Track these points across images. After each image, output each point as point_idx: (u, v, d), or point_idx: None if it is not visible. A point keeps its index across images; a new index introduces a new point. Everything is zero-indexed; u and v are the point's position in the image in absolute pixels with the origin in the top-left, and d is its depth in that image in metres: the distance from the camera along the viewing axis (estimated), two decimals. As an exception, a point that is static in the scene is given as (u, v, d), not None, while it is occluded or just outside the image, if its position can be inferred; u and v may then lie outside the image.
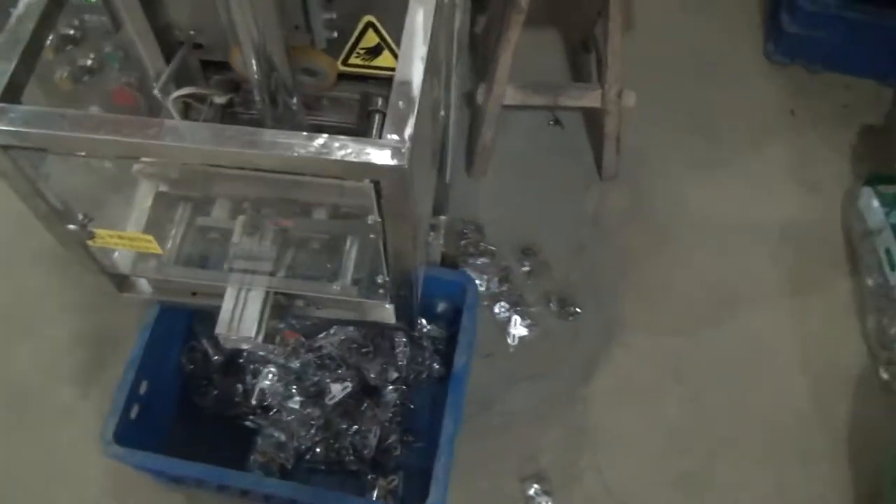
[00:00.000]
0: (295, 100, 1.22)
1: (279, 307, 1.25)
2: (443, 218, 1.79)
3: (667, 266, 1.94)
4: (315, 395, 1.70)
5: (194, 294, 1.31)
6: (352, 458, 1.66)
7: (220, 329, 1.18)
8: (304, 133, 0.88)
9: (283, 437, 1.68)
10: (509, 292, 1.88)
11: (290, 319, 1.48)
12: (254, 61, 1.11)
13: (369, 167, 0.87)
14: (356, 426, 1.68)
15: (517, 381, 1.79)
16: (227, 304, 1.20)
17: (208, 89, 1.28)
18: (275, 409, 1.70)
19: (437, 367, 1.73)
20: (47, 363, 1.88)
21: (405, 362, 1.72)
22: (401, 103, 0.91)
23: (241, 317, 1.20)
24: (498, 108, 1.89)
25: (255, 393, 1.71)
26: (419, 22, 0.99)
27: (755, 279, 1.93)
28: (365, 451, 1.66)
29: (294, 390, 1.69)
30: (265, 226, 1.17)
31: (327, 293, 1.21)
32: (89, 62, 1.22)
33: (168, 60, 1.21)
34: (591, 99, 1.91)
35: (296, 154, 0.87)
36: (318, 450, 1.68)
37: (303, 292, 1.22)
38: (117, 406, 1.54)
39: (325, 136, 0.88)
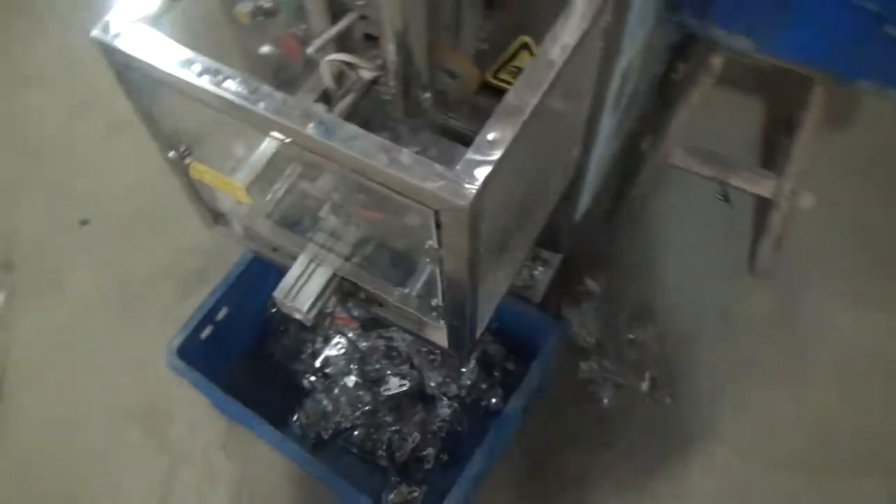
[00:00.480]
0: (427, 95, 1.19)
1: (341, 292, 1.24)
2: (558, 256, 1.70)
3: (787, 395, 1.74)
4: (372, 381, 1.70)
5: (275, 250, 1.33)
6: (384, 454, 1.65)
7: (278, 294, 1.19)
8: (381, 140, 0.85)
9: (329, 408, 1.69)
10: (603, 353, 1.77)
11: (349, 308, 1.47)
12: (392, 46, 1.09)
13: (430, 196, 0.83)
14: (399, 426, 1.66)
15: (578, 446, 1.69)
16: (293, 271, 1.21)
17: (360, 61, 1.28)
18: (331, 379, 1.71)
19: (496, 401, 1.67)
20: (164, 264, 2.00)
21: (468, 383, 1.67)
22: (491, 136, 0.85)
23: (302, 288, 1.20)
24: (660, 164, 1.77)
25: (321, 357, 1.74)
26: (553, 53, 0.92)
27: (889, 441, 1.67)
28: (398, 453, 1.64)
29: (354, 368, 1.69)
30: (352, 211, 1.16)
31: (389, 296, 1.19)
32: (268, 4, 1.25)
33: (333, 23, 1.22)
34: (763, 187, 1.75)
35: (366, 160, 0.84)
36: (356, 433, 1.68)
37: (367, 286, 1.20)
38: (191, 322, 1.62)
39: (404, 151, 0.84)
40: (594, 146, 1.40)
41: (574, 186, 1.48)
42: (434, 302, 1.09)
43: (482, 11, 1.10)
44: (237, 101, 0.89)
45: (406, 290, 1.16)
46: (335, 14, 1.23)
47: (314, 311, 1.19)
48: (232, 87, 0.90)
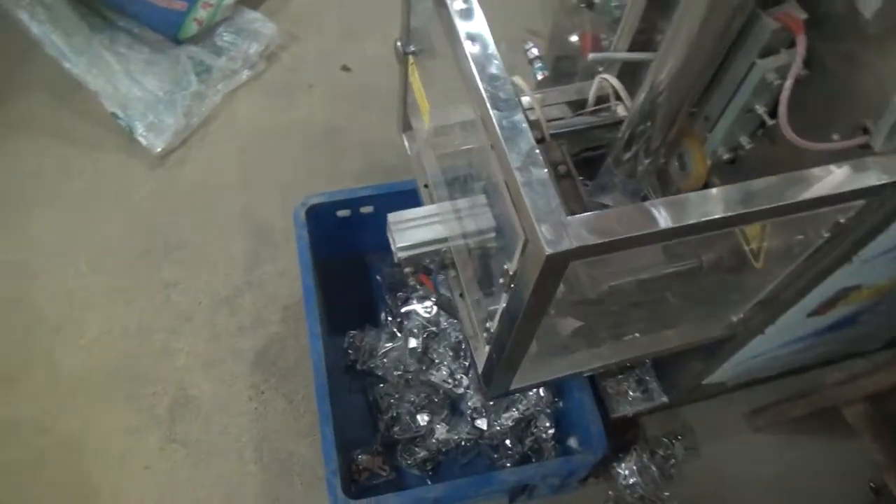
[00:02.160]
0: (647, 162, 1.14)
1: (440, 259, 1.23)
2: (663, 399, 1.58)
3: None
4: (427, 358, 1.69)
5: (426, 186, 1.35)
6: (388, 421, 1.65)
7: (392, 217, 1.21)
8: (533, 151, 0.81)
9: (380, 350, 1.71)
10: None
11: (436, 277, 1.46)
12: (650, 95, 1.05)
13: (528, 222, 0.79)
14: (417, 411, 1.64)
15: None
16: (420, 210, 1.23)
17: (625, 96, 1.24)
18: (401, 330, 1.73)
19: (508, 464, 1.59)
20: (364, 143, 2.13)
21: (496, 429, 1.62)
22: (625, 218, 0.79)
23: (414, 227, 1.21)
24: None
25: (408, 307, 1.76)
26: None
27: None
28: (397, 429, 1.63)
29: (422, 336, 1.70)
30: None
31: (469, 292, 1.17)
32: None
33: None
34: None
35: (507, 157, 0.81)
36: (381, 385, 1.70)
37: (460, 270, 1.19)
38: (339, 193, 1.70)
39: (543, 171, 0.81)
40: (760, 331, 1.26)
41: (721, 350, 1.36)
42: (489, 324, 1.05)
43: (751, 129, 1.02)
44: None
45: (483, 298, 1.13)
46: (638, 43, 1.21)
47: (406, 253, 1.20)
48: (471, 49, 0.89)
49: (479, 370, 1.17)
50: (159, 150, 2.08)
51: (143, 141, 2.07)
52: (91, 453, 1.68)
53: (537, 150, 0.81)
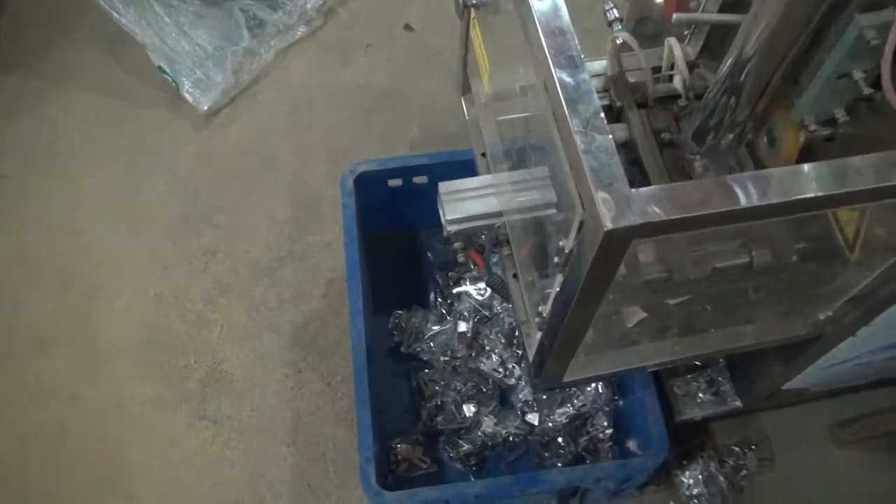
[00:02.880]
0: (731, 137, 1.09)
1: (494, 235, 1.21)
2: (737, 403, 1.52)
3: None
4: (477, 344, 1.67)
5: (483, 155, 1.32)
6: (431, 409, 1.64)
7: (443, 186, 1.19)
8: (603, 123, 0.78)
9: (426, 333, 1.69)
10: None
11: (489, 255, 1.44)
12: (728, 63, 1.00)
13: (588, 194, 0.76)
14: (463, 400, 1.63)
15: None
16: (473, 181, 1.21)
17: (684, 68, 1.19)
18: (450, 312, 1.71)
19: (557, 463, 1.57)
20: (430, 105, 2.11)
21: (548, 426, 1.59)
22: (697, 195, 0.75)
23: (466, 199, 1.19)
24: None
25: (460, 288, 1.74)
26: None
27: None
28: (440, 419, 1.62)
29: (473, 320, 1.67)
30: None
31: (523, 272, 1.15)
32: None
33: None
34: None
35: (568, 125, 0.78)
36: (426, 371, 1.69)
37: (514, 248, 1.16)
38: (389, 162, 1.69)
39: (608, 140, 0.77)
40: (851, 332, 1.20)
41: (805, 352, 1.30)
42: (542, 308, 1.02)
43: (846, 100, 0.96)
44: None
45: (538, 279, 1.10)
46: (729, 5, 1.16)
47: (457, 227, 1.18)
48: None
49: (530, 359, 1.14)
50: (206, 108, 2.10)
51: (189, 98, 2.09)
52: (118, 424, 1.71)
53: (602, 115, 0.78)
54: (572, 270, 0.86)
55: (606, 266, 0.81)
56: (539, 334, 1.07)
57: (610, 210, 0.73)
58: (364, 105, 2.15)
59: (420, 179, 1.72)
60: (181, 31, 2.15)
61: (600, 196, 0.74)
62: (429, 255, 1.86)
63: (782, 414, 1.69)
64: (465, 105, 1.39)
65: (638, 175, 1.12)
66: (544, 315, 1.02)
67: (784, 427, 1.69)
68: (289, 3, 2.24)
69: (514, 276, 1.21)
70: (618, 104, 1.18)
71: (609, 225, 0.73)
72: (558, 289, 0.93)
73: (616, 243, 0.76)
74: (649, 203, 0.75)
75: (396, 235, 1.88)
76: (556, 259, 0.90)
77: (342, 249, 1.83)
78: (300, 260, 1.91)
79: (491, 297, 1.70)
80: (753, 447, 1.68)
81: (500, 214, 1.18)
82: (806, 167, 0.78)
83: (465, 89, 1.37)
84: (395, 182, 1.72)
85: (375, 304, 1.75)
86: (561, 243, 0.87)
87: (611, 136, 0.77)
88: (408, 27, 2.29)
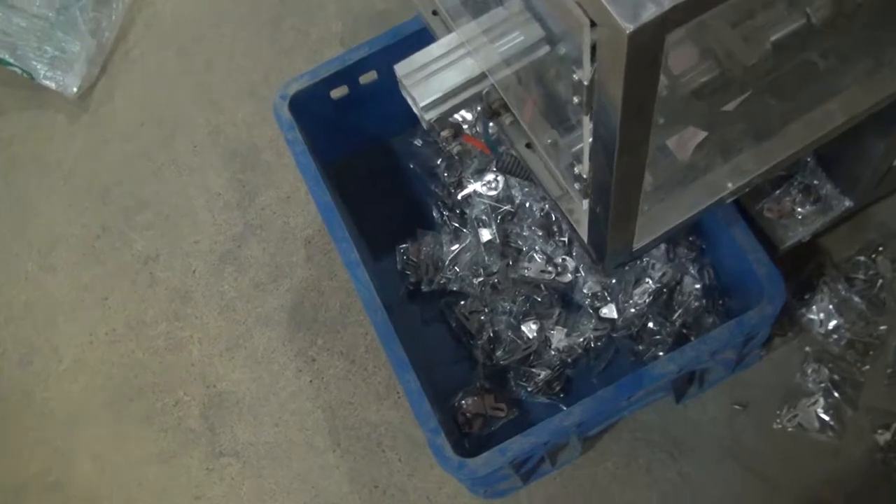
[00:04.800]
0: None
1: (486, 105, 1.17)
2: (846, 203, 1.51)
3: None
4: (511, 249, 1.68)
5: (434, 13, 1.28)
6: (483, 346, 1.65)
7: (400, 69, 1.15)
8: None
9: (446, 256, 1.69)
10: (840, 364, 1.59)
11: (489, 132, 1.41)
12: None
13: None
14: (520, 321, 1.62)
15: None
16: (433, 48, 1.17)
17: None
18: (465, 222, 1.70)
19: (660, 353, 1.57)
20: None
21: (632, 312, 1.59)
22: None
23: (434, 74, 1.15)
24: None
25: (467, 189, 1.72)
26: None
27: None
28: (500, 353, 1.63)
29: (496, 221, 1.66)
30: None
31: (538, 136, 1.12)
32: None
33: None
34: None
35: None
36: (463, 302, 1.69)
37: (517, 111, 1.13)
38: (322, 69, 1.66)
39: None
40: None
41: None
42: (578, 169, 1.00)
43: None
44: None
45: (561, 139, 1.07)
46: None
47: (436, 111, 1.15)
48: None
49: (585, 238, 1.12)
50: (75, 90, 2.05)
51: (51, 84, 2.04)
52: (122, 499, 1.71)
53: None
54: (601, 105, 0.83)
55: (643, 82, 0.77)
56: (585, 203, 1.05)
57: (623, 4, 0.69)
58: (266, 15, 2.10)
59: (368, 77, 1.69)
60: (7, 6, 2.08)
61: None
62: (411, 165, 1.83)
63: (902, 197, 1.68)
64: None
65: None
66: (584, 176, 0.99)
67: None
68: (126, -81, 2.16)
69: (528, 145, 1.18)
70: None
71: (630, 26, 0.69)
72: (591, 136, 0.90)
73: (647, 47, 0.72)
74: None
75: (365, 156, 1.87)
76: (575, 100, 0.87)
77: (307, 198, 1.83)
78: (261, 229, 1.88)
79: (507, 185, 1.69)
80: (881, 249, 1.68)
81: (483, 77, 1.14)
82: None
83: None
84: (339, 91, 1.69)
85: (372, 247, 1.73)
86: (576, 76, 0.83)
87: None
88: None
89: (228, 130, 2.00)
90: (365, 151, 1.87)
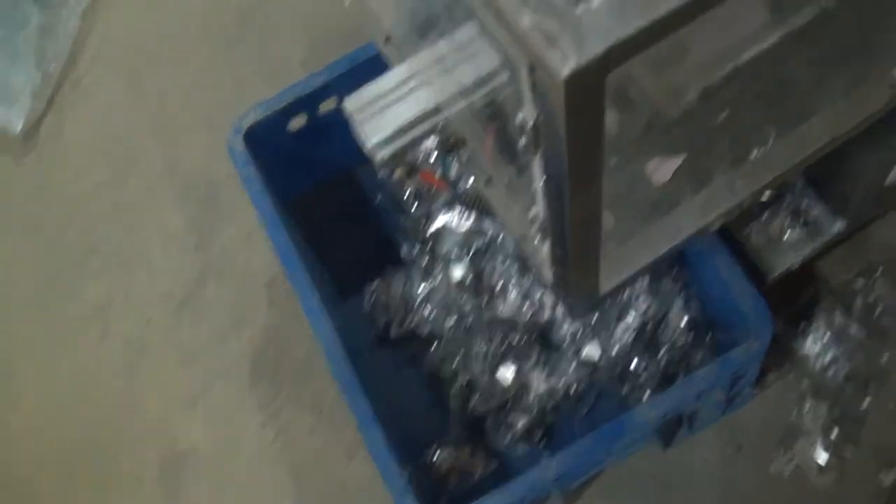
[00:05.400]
0: None
1: (443, 139, 1.17)
2: (839, 223, 1.52)
3: None
4: (484, 287, 1.66)
5: (387, 41, 1.29)
6: (457, 393, 1.64)
7: (350, 104, 1.15)
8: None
9: (415, 295, 1.68)
10: (838, 398, 1.59)
11: (446, 164, 1.42)
12: None
13: (521, 34, 0.72)
14: (497, 364, 1.62)
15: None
16: (385, 80, 1.17)
17: None
18: (435, 259, 1.70)
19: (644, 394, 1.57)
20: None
21: (615, 350, 1.58)
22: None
23: (384, 109, 1.15)
24: None
25: (436, 223, 1.72)
26: None
27: None
28: (476, 401, 1.62)
29: (467, 257, 1.66)
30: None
31: (496, 172, 1.12)
32: None
33: None
34: None
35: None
36: (434, 346, 1.68)
37: (475, 145, 1.14)
38: (280, 99, 1.67)
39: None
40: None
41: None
42: (535, 210, 1.00)
43: None
44: None
45: (517, 175, 1.07)
46: None
47: (388, 150, 1.14)
48: None
49: (548, 279, 1.13)
50: (20, 128, 2.05)
51: (-8, 123, 2.05)
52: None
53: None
54: (548, 146, 0.84)
55: (587, 124, 0.78)
56: (545, 244, 1.05)
57: (559, 47, 0.70)
58: (224, 35, 2.11)
59: (329, 105, 1.69)
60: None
61: (538, 32, 0.70)
62: (379, 197, 1.83)
63: (899, 215, 1.68)
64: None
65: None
66: (540, 218, 1.00)
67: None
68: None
69: (487, 181, 1.18)
70: None
71: (565, 71, 0.70)
72: (542, 177, 0.91)
73: (586, 91, 0.73)
74: (611, 14, 0.71)
75: (330, 189, 1.87)
76: (522, 141, 0.87)
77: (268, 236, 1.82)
78: (221, 272, 1.89)
79: (479, 217, 1.68)
80: (880, 271, 1.68)
81: (437, 110, 1.14)
82: None
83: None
84: (298, 122, 1.70)
85: (339, 286, 1.74)
86: (519, 117, 0.84)
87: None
88: None
89: (185, 166, 2.00)
90: (329, 184, 1.87)
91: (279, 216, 1.57)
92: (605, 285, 1.12)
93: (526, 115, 0.83)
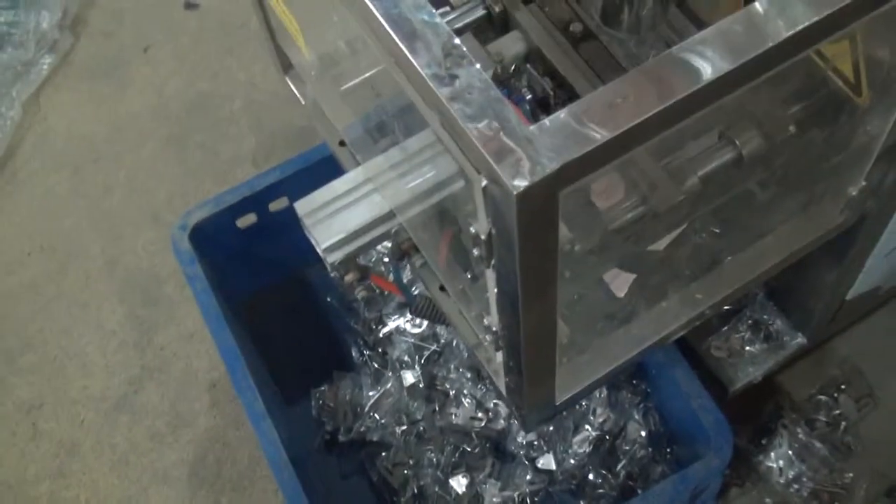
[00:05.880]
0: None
1: (396, 245, 1.21)
2: (799, 340, 1.56)
3: None
4: (437, 393, 1.69)
5: (342, 144, 1.33)
6: (406, 502, 1.64)
7: (301, 207, 1.18)
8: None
9: (366, 401, 1.69)
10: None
11: (398, 271, 1.45)
12: None
13: (470, 147, 0.77)
14: (448, 475, 1.63)
15: None
16: (337, 184, 1.20)
17: None
18: (386, 363, 1.72)
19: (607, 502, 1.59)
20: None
21: (572, 462, 1.60)
22: (618, 96, 0.76)
23: (336, 213, 1.19)
24: None
25: (388, 326, 1.75)
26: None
27: None
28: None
29: (419, 363, 1.68)
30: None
31: (448, 281, 1.15)
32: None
33: None
34: None
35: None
36: (384, 453, 1.69)
37: (425, 254, 1.17)
38: (227, 196, 1.69)
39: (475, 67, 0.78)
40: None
41: (854, 243, 1.34)
42: (487, 320, 1.03)
43: None
44: None
45: (471, 284, 1.11)
46: None
47: (339, 255, 1.17)
48: None
49: (502, 390, 1.15)
50: (-45, 221, 2.06)
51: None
52: None
53: (456, 41, 0.79)
54: (501, 259, 0.87)
55: (540, 238, 0.81)
56: (499, 355, 1.08)
57: (512, 164, 0.74)
58: (171, 131, 2.15)
59: (279, 204, 1.73)
60: None
61: (491, 150, 0.74)
62: (328, 299, 1.86)
63: (863, 330, 1.74)
64: (293, 86, 1.40)
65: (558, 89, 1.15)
66: (493, 328, 1.03)
67: (871, 346, 1.74)
68: (17, 32, 2.21)
69: (441, 288, 1.21)
70: (497, 8, 1.19)
71: (518, 185, 0.73)
72: (495, 288, 0.94)
73: (538, 206, 0.76)
74: (564, 133, 0.75)
75: (278, 289, 1.89)
76: (476, 252, 0.91)
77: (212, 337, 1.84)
78: (161, 372, 1.89)
79: (431, 324, 1.71)
80: (843, 387, 1.72)
81: (392, 215, 1.17)
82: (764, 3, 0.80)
83: (286, 65, 1.38)
84: (246, 220, 1.72)
85: (285, 390, 1.75)
86: (472, 230, 0.87)
87: (478, 66, 0.78)
88: (190, 5, 2.29)
89: (127, 260, 2.01)
90: (277, 284, 1.89)
91: (225, 317, 1.58)
92: (561, 396, 1.15)
93: (479, 227, 0.86)
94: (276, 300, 1.88)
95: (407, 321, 1.73)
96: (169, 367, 1.90)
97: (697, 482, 1.41)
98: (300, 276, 1.90)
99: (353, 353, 1.79)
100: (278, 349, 1.80)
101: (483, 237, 0.86)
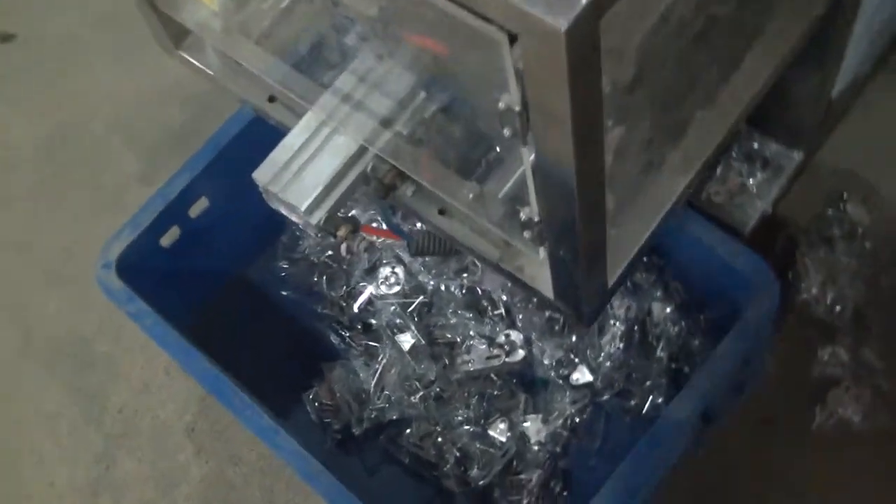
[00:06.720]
0: None
1: (377, 181, 1.19)
2: (796, 156, 1.59)
3: None
4: (443, 346, 1.68)
5: (272, 100, 1.30)
6: (452, 469, 1.64)
7: (260, 176, 1.16)
8: None
9: (368, 384, 1.68)
10: (862, 337, 1.67)
11: (388, 212, 1.44)
12: None
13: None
14: (483, 426, 1.63)
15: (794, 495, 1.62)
16: (291, 138, 1.18)
17: None
18: (374, 336, 1.72)
19: (658, 399, 1.62)
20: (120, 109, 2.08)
21: (608, 365, 1.62)
22: None
23: (303, 169, 1.16)
24: None
25: (361, 298, 1.73)
26: None
27: None
28: (476, 472, 1.62)
29: (412, 322, 1.67)
30: (400, 35, 1.10)
31: (453, 196, 1.13)
32: None
33: None
34: None
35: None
36: (409, 430, 1.68)
37: (418, 175, 1.15)
38: (144, 216, 1.65)
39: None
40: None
41: (833, 31, 1.36)
42: (525, 213, 1.02)
43: None
44: None
45: (483, 188, 1.09)
46: None
47: (322, 212, 1.15)
48: None
49: (550, 294, 1.14)
50: None
51: None
52: None
53: None
54: (542, 126, 0.85)
55: (589, 81, 0.79)
56: (542, 251, 1.07)
57: (547, 4, 0.72)
58: (34, 179, 2.09)
59: (199, 207, 1.71)
60: None
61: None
62: (284, 293, 1.84)
63: (855, 124, 1.77)
64: (192, 59, 1.36)
65: None
66: (535, 219, 1.01)
67: (866, 137, 1.79)
68: None
69: (441, 212, 1.20)
70: None
71: (563, 23, 0.72)
72: (533, 169, 0.93)
73: (586, 41, 0.75)
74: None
75: (226, 299, 1.88)
76: (506, 132, 0.89)
77: (170, 380, 1.84)
78: (128, 437, 1.86)
79: (409, 274, 1.70)
80: (845, 196, 1.77)
81: (364, 150, 1.16)
82: None
83: (178, 37, 1.34)
84: (170, 236, 1.70)
85: (272, 405, 1.71)
86: (501, 103, 0.85)
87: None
88: (6, 37, 2.23)
89: (42, 331, 1.97)
90: (222, 295, 1.87)
91: (189, 342, 1.55)
92: (611, 276, 1.15)
93: (510, 99, 0.84)
94: (227, 311, 1.86)
95: (381, 283, 1.71)
96: (135, 428, 1.86)
97: (756, 329, 1.42)
98: (243, 278, 1.89)
99: (333, 340, 1.78)
100: (246, 364, 1.74)
101: (517, 108, 0.85)
